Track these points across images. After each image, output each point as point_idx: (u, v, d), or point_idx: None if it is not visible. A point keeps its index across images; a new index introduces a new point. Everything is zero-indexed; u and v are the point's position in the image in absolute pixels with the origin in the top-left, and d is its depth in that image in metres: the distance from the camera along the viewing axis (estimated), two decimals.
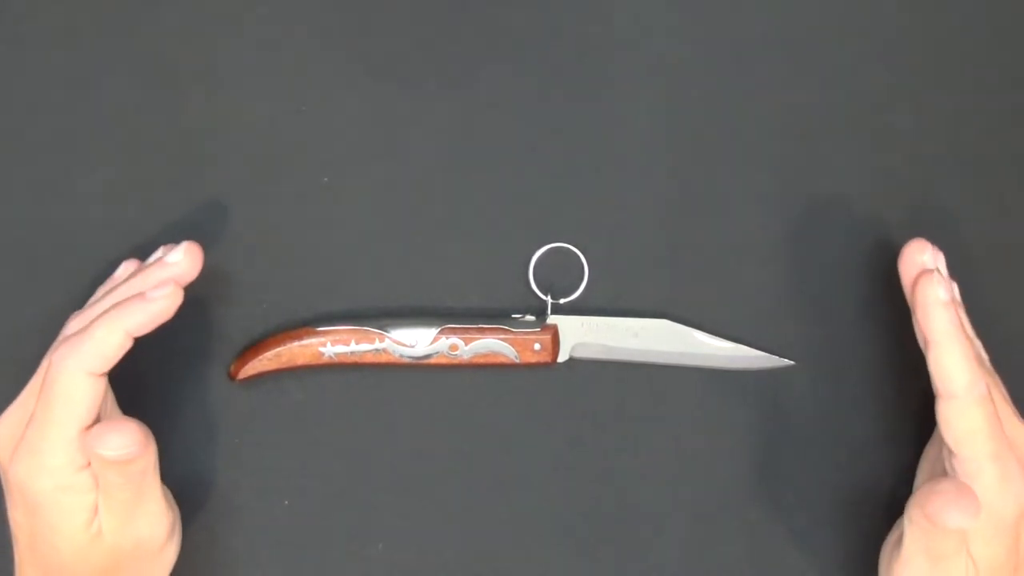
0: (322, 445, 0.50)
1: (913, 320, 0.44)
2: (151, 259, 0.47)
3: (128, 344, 0.42)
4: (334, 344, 0.49)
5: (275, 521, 0.50)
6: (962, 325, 0.43)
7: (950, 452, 0.43)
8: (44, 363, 0.44)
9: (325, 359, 0.49)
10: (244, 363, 0.49)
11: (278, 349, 0.49)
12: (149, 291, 0.43)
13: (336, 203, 0.51)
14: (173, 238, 0.50)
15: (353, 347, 0.49)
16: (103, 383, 0.42)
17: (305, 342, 0.49)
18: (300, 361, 0.49)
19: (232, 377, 0.49)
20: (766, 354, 0.51)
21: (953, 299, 0.44)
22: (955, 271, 0.50)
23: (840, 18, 0.53)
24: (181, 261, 0.44)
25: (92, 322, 0.42)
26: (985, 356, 0.47)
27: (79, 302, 0.49)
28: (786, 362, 0.51)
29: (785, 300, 0.52)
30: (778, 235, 0.52)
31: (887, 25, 0.53)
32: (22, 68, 0.51)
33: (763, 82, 0.52)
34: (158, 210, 0.51)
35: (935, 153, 0.52)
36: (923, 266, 0.44)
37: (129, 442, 0.41)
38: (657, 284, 0.51)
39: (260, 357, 0.49)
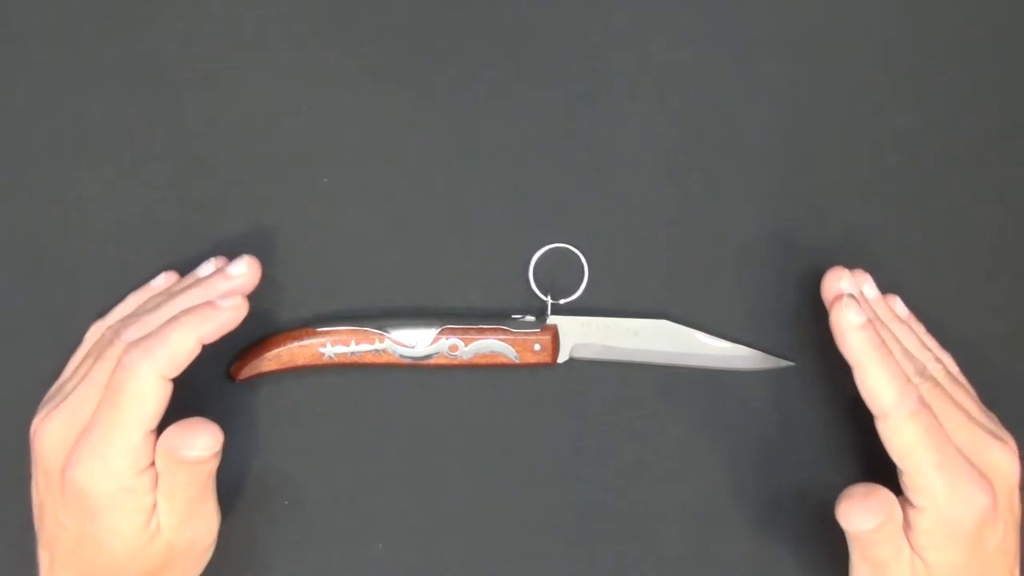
0: (322, 445, 0.50)
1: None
2: (202, 271, 0.48)
3: (198, 350, 0.43)
4: (334, 344, 0.49)
5: (275, 521, 0.50)
6: (882, 344, 0.44)
7: (898, 468, 0.43)
8: (96, 368, 0.44)
9: (325, 359, 0.49)
10: (244, 363, 0.49)
11: (278, 349, 0.49)
12: (218, 300, 0.44)
13: (336, 203, 0.51)
14: (173, 239, 0.51)
15: (353, 347, 0.49)
16: (170, 388, 0.43)
17: (305, 342, 0.49)
18: (300, 361, 0.49)
19: (232, 378, 0.49)
20: (766, 354, 0.51)
21: (871, 319, 0.45)
22: (954, 272, 0.50)
23: (840, 19, 0.53)
24: (245, 273, 0.46)
25: (163, 328, 0.43)
26: (944, 365, 0.47)
27: (79, 304, 0.49)
28: (786, 362, 0.51)
29: (785, 300, 0.52)
30: (778, 235, 0.52)
31: (887, 26, 0.53)
32: (22, 68, 0.51)
33: (763, 83, 0.52)
34: (158, 211, 0.51)
35: (934, 153, 0.52)
36: (839, 292, 0.45)
37: (214, 443, 0.42)
38: (657, 284, 0.51)
39: (260, 357, 0.49)
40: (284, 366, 0.49)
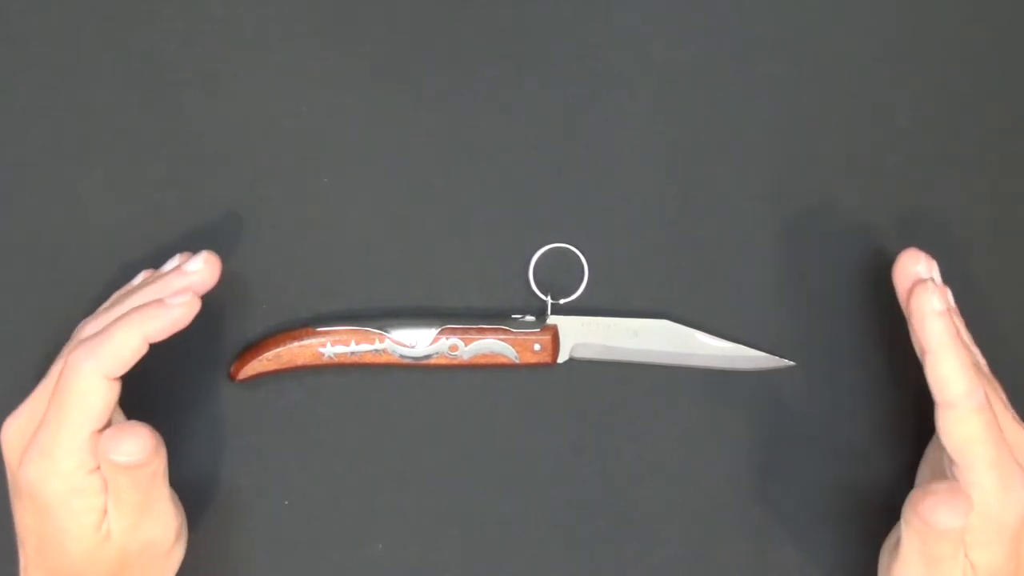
0: (322, 445, 0.50)
1: (910, 330, 0.44)
2: (167, 266, 0.47)
3: (144, 349, 0.43)
4: (334, 344, 0.49)
5: (275, 521, 0.50)
6: (958, 333, 0.43)
7: (950, 460, 0.43)
8: (56, 365, 0.44)
9: (325, 359, 0.49)
10: (244, 363, 0.49)
11: (278, 349, 0.49)
12: (168, 298, 0.43)
13: (336, 203, 0.51)
14: (173, 239, 0.51)
15: (353, 347, 0.49)
16: (117, 387, 0.42)
17: (305, 342, 0.49)
18: (300, 361, 0.49)
19: (232, 378, 0.49)
20: (766, 354, 0.51)
21: (948, 307, 0.44)
22: (955, 271, 0.50)
23: (839, 18, 0.53)
24: (201, 270, 0.45)
25: (110, 325, 0.42)
26: (983, 362, 0.47)
27: (79, 304, 0.49)
28: (786, 362, 0.51)
29: (785, 300, 0.52)
30: (778, 235, 0.52)
31: (887, 26, 0.53)
32: (22, 68, 0.51)
33: (762, 82, 0.52)
34: (158, 211, 0.51)
35: (935, 153, 0.52)
36: (917, 276, 0.44)
37: (141, 447, 0.41)
38: (657, 284, 0.51)
39: (260, 357, 0.49)
40: (284, 366, 0.49)
